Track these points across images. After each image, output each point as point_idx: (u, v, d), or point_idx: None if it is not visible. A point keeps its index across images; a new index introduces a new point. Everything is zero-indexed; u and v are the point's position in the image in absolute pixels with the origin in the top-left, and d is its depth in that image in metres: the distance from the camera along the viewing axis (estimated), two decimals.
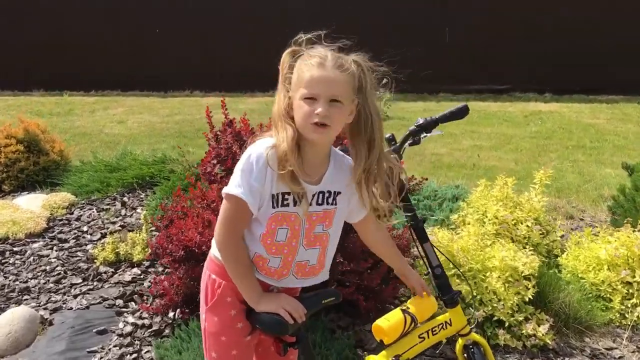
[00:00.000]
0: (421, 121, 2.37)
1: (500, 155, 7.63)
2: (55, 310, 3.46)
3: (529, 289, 3.37)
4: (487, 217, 4.17)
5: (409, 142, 2.35)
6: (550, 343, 3.26)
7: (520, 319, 3.30)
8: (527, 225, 4.09)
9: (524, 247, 4.00)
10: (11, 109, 10.97)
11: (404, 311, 2.19)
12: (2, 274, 3.91)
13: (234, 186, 1.76)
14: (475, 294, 3.37)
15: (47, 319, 3.36)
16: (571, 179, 6.47)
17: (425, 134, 2.36)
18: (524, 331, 3.26)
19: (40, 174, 5.55)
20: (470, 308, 3.04)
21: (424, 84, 11.59)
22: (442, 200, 5.05)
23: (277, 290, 1.93)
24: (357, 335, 3.22)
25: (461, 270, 3.30)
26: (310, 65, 1.75)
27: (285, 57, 1.83)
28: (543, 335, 3.25)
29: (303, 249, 1.88)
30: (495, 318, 3.31)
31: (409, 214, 2.31)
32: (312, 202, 1.83)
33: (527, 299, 3.35)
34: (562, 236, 4.37)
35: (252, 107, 10.38)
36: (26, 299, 3.58)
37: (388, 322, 2.14)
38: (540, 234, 4.13)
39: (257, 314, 1.83)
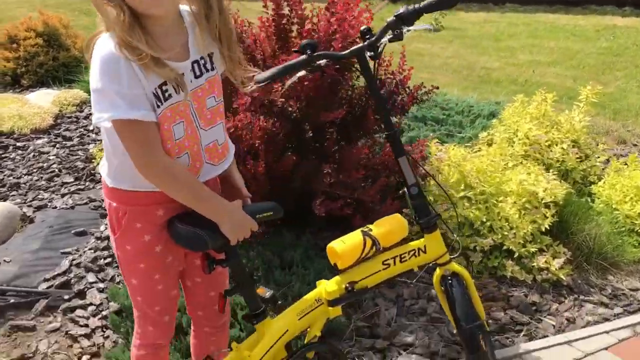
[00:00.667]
0: (401, 11, 1.94)
1: (558, 71, 6.93)
2: (39, 208, 3.33)
3: (546, 217, 2.97)
4: (517, 136, 3.71)
5: (388, 36, 1.94)
6: (564, 279, 2.88)
7: (533, 250, 2.92)
8: (563, 148, 3.62)
9: (556, 172, 3.57)
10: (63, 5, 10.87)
11: (364, 233, 1.86)
12: None
13: (104, 110, 1.41)
14: (485, 220, 3.00)
15: (29, 216, 3.25)
16: (633, 101, 5.79)
17: (407, 28, 1.92)
18: (535, 264, 2.90)
19: (60, 70, 5.39)
20: (452, 236, 2.64)
21: None
22: (475, 116, 4.58)
23: None
24: None
25: (448, 193, 2.90)
26: None
27: None
28: (556, 269, 2.87)
29: (204, 132, 1.61)
30: (505, 247, 2.95)
31: (387, 125, 1.93)
32: (190, 79, 1.54)
33: (543, 229, 2.96)
34: (606, 161, 3.88)
35: None
36: (13, 195, 3.47)
37: (343, 245, 1.83)
38: (578, 158, 3.65)
39: (174, 226, 1.58)
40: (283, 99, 2.53)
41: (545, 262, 2.90)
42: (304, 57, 1.81)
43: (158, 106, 1.47)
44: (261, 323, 1.73)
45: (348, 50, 1.86)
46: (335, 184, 2.66)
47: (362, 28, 1.90)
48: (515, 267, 2.92)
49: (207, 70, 1.59)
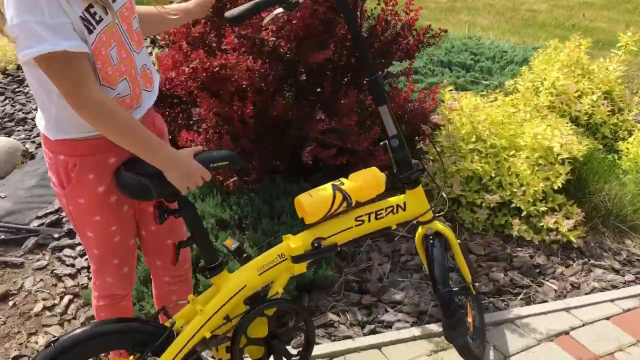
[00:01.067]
0: None
1: (611, 15, 6.44)
2: (41, 144, 3.31)
3: (560, 174, 2.75)
4: (543, 85, 3.44)
5: None
6: (574, 241, 2.69)
7: (543, 209, 2.73)
8: (592, 99, 3.34)
9: (582, 126, 3.32)
10: None
11: (335, 187, 1.73)
12: (11, 102, 3.81)
13: (30, 45, 1.26)
14: (494, 175, 2.81)
15: (30, 152, 3.23)
16: None
17: None
18: (543, 224, 2.71)
19: None
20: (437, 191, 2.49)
21: None
22: (507, 62, 4.29)
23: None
24: None
25: (457, 145, 2.71)
26: None
27: None
28: (566, 231, 2.68)
29: (136, 55, 1.51)
30: (514, 205, 2.76)
31: (367, 69, 1.75)
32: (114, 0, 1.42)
33: (556, 187, 2.75)
34: None
35: None
36: (19, 130, 3.46)
37: (309, 198, 1.70)
38: (609, 112, 3.37)
39: (119, 173, 1.49)
40: (274, 38, 2.37)
41: (555, 222, 2.70)
42: None
43: (91, 31, 1.33)
44: (217, 276, 1.65)
45: None
46: (328, 131, 2.51)
47: None
48: (523, 226, 2.74)
49: None
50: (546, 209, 2.74)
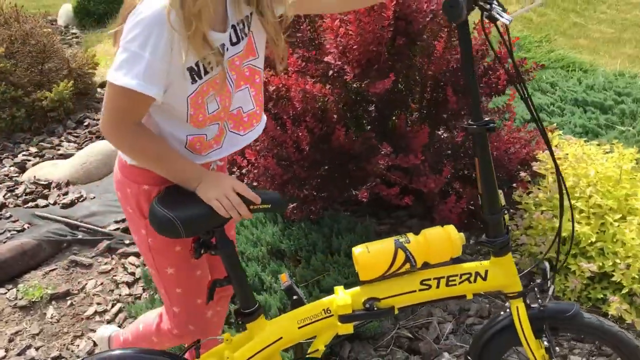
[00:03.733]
0: None
1: None
2: None
3: None
4: None
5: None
6: None
7: None
8: None
9: None
10: None
11: (397, 243, 1.48)
12: None
13: (123, 73, 1.25)
14: (594, 239, 2.39)
15: None
16: None
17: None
18: None
19: None
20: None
21: None
22: None
23: (215, 168, 1.55)
24: None
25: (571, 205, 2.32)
26: None
27: None
28: None
29: (234, 96, 1.46)
30: (614, 279, 2.33)
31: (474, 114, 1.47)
32: (227, 48, 1.37)
33: None
34: None
35: None
36: None
37: (366, 253, 1.50)
38: None
39: (152, 206, 1.40)
40: (339, 63, 2.22)
41: None
42: None
43: (195, 81, 1.32)
44: (253, 323, 1.51)
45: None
46: (393, 168, 2.29)
47: None
48: (623, 306, 2.30)
49: (245, 35, 1.40)
50: None
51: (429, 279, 1.52)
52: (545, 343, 1.59)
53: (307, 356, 1.56)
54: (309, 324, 1.51)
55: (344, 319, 1.49)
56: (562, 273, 2.46)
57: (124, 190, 1.51)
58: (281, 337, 1.51)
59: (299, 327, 1.51)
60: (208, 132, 1.43)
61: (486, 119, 1.40)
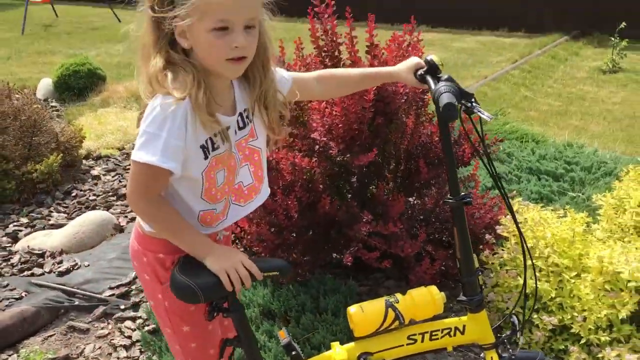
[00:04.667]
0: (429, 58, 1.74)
1: None
2: (133, 219, 3.64)
3: (626, 303, 2.55)
4: (629, 203, 3.24)
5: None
6: None
7: (605, 338, 2.53)
8: None
9: None
10: None
11: (388, 304, 1.73)
12: (119, 178, 4.25)
13: (145, 152, 1.45)
14: (554, 295, 2.67)
15: (121, 226, 3.56)
16: None
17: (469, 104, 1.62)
18: (603, 355, 2.51)
19: None
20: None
21: None
22: (603, 174, 4.09)
23: (225, 235, 1.75)
24: None
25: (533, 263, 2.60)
26: None
27: None
28: None
29: (238, 172, 1.66)
30: (574, 330, 2.60)
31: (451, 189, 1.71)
32: (235, 131, 1.60)
33: (622, 316, 2.55)
34: None
35: None
36: (117, 205, 3.83)
37: (360, 313, 1.72)
38: None
39: (173, 274, 1.57)
40: (325, 139, 2.50)
41: (617, 355, 2.49)
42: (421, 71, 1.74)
43: (206, 157, 1.52)
44: None
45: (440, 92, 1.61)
46: (374, 235, 2.55)
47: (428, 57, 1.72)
48: (582, 355, 2.56)
49: (250, 121, 1.64)
50: (609, 339, 2.54)
51: (415, 334, 1.75)
52: None
53: None
54: None
55: None
56: (527, 326, 2.71)
57: (140, 259, 1.67)
58: None
59: None
60: (217, 207, 1.62)
61: (462, 194, 1.68)
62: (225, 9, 1.40)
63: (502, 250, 2.89)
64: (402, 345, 1.74)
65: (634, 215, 3.17)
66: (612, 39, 8.42)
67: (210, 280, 1.52)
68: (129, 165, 4.42)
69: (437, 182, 2.93)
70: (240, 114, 1.60)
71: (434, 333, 1.77)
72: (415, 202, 2.97)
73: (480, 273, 1.79)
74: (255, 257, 1.72)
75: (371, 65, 2.57)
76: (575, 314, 2.61)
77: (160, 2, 1.45)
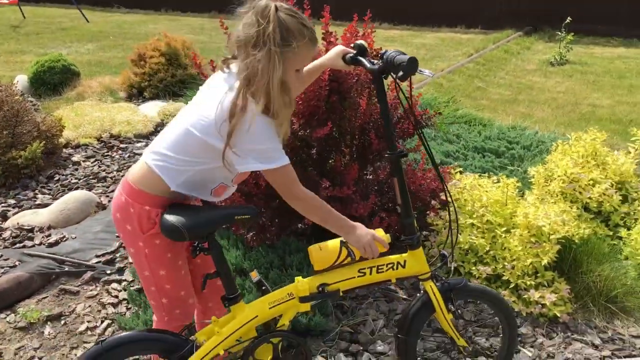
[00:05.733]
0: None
1: None
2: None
3: (548, 252, 2.98)
4: (557, 173, 3.69)
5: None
6: (559, 315, 2.89)
7: (531, 282, 2.96)
8: (603, 188, 3.55)
9: (595, 213, 3.52)
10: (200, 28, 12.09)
11: (342, 243, 2.06)
12: (98, 164, 4.56)
13: (277, 157, 1.81)
14: (488, 248, 3.10)
15: (103, 204, 3.88)
16: None
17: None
18: (528, 297, 2.93)
19: (177, 85, 6.17)
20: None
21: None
22: (539, 151, 4.55)
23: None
24: None
25: (459, 221, 3.02)
26: (308, 42, 1.79)
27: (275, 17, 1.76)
28: (550, 304, 2.89)
29: None
30: (505, 278, 3.02)
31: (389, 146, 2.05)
32: None
33: (544, 264, 2.98)
34: None
35: None
36: (98, 186, 4.15)
37: (319, 250, 2.06)
38: (620, 201, 3.56)
39: (162, 218, 1.87)
40: None
41: (540, 296, 2.92)
42: (351, 54, 2.09)
43: None
44: (235, 305, 1.97)
45: (373, 67, 1.96)
46: (332, 199, 2.93)
47: (381, 51, 1.97)
48: (512, 298, 2.98)
49: None
50: (534, 283, 2.97)
51: (364, 268, 2.09)
52: (452, 308, 2.22)
53: (274, 330, 2.05)
54: (277, 305, 2.00)
55: (303, 299, 2.01)
56: (466, 277, 3.13)
57: (127, 210, 1.92)
58: (257, 316, 1.98)
59: (270, 308, 1.99)
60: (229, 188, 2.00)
61: (399, 149, 2.05)
62: (306, 59, 1.87)
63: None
64: (354, 277, 2.07)
65: (560, 182, 3.62)
66: (559, 33, 8.97)
67: (195, 221, 1.84)
68: (107, 152, 4.75)
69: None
70: None
71: (379, 267, 2.10)
72: (369, 176, 3.36)
73: (415, 216, 2.17)
74: (229, 204, 2.04)
75: (326, 50, 2.94)
76: (506, 263, 3.03)
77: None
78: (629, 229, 3.54)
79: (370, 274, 2.10)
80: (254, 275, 2.07)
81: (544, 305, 2.92)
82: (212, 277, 1.97)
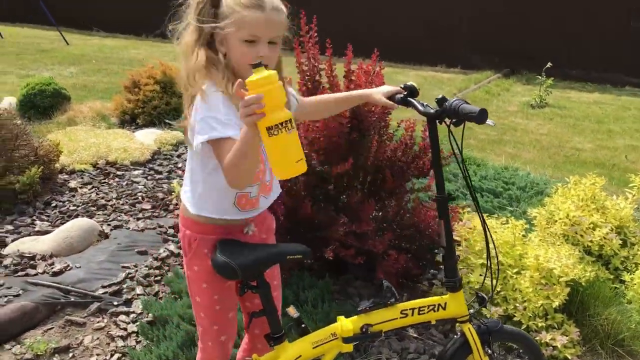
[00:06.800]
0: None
1: None
2: (116, 227, 3.91)
3: (559, 294, 3.04)
4: (558, 216, 3.78)
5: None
6: (570, 358, 2.93)
7: (542, 324, 3.01)
8: (603, 232, 3.64)
9: (596, 256, 3.60)
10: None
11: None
12: (96, 191, 4.50)
13: (213, 131, 1.72)
14: (499, 289, 3.14)
15: (106, 232, 3.82)
16: None
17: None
18: (540, 339, 2.98)
19: (170, 113, 6.15)
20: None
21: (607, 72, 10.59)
22: (536, 193, 4.66)
23: (253, 230, 2.01)
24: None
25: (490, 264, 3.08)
26: (246, 5, 1.78)
27: None
28: (561, 347, 2.93)
29: (267, 169, 1.94)
30: (516, 319, 3.06)
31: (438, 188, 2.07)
32: None
33: (555, 306, 3.03)
34: None
35: None
36: (99, 214, 4.09)
37: None
38: (620, 245, 3.66)
39: (214, 255, 1.88)
40: (307, 151, 2.90)
41: (552, 338, 2.97)
42: (401, 95, 2.09)
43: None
44: (279, 345, 1.96)
45: (432, 111, 1.97)
46: (349, 234, 2.95)
47: (439, 96, 1.99)
48: None
49: None
50: (545, 325, 3.02)
51: (407, 309, 2.10)
52: (489, 351, 2.25)
53: None
54: (320, 345, 1.99)
55: (347, 340, 2.01)
56: (478, 317, 3.16)
57: (180, 235, 2.03)
58: (300, 356, 1.96)
59: (313, 347, 1.98)
60: (252, 190, 1.90)
61: (448, 192, 2.08)
62: (256, 27, 1.78)
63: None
64: (396, 318, 2.09)
65: (562, 225, 3.71)
66: (539, 77, 9.26)
67: (247, 260, 1.82)
68: (104, 179, 4.70)
69: (400, 193, 3.37)
70: None
71: (421, 309, 2.12)
72: (379, 213, 3.39)
73: (458, 258, 2.19)
74: (280, 244, 2.04)
75: (347, 88, 3.00)
76: (517, 304, 3.08)
77: (206, 14, 1.82)
78: (629, 272, 3.64)
79: (412, 315, 2.12)
80: (292, 312, 2.06)
81: (555, 347, 2.96)
82: (258, 316, 1.98)
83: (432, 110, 1.98)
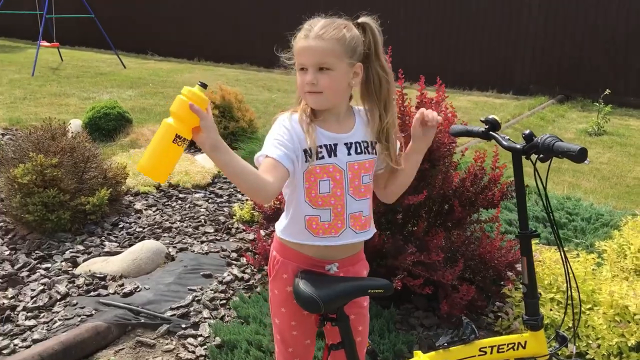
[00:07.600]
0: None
1: None
2: (181, 249, 3.99)
3: (634, 333, 2.95)
4: (630, 249, 3.68)
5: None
6: None
7: None
8: None
9: None
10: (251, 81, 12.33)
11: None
12: (160, 213, 4.60)
13: (268, 149, 1.81)
14: (570, 325, 3.06)
15: (172, 255, 3.90)
16: None
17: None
18: None
19: (228, 138, 6.25)
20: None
21: None
22: (601, 225, 4.55)
23: (335, 271, 1.97)
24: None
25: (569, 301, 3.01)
26: (298, 37, 1.89)
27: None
28: None
29: (352, 199, 1.92)
30: (589, 357, 2.98)
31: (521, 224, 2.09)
32: (350, 152, 1.91)
33: (630, 344, 2.94)
34: None
35: None
36: (164, 236, 4.17)
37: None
38: None
39: (297, 287, 1.86)
40: None
41: None
42: (482, 129, 2.10)
43: (307, 161, 1.85)
44: None
45: (519, 146, 2.00)
46: (417, 264, 2.94)
47: (526, 132, 2.01)
48: None
49: (369, 153, 1.94)
50: None
51: (485, 347, 2.08)
52: None
53: None
54: None
55: None
56: (557, 356, 3.08)
57: (271, 252, 2.06)
58: None
59: None
60: (321, 214, 1.89)
61: (531, 229, 2.06)
62: (299, 55, 1.87)
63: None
64: (475, 356, 2.06)
65: (634, 259, 3.61)
66: (597, 104, 9.08)
67: (329, 293, 1.80)
68: (167, 201, 4.80)
69: (466, 223, 3.34)
70: (359, 143, 1.92)
71: (500, 347, 2.09)
72: (445, 243, 3.37)
73: (539, 296, 2.15)
74: (364, 278, 2.00)
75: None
76: (590, 341, 2.99)
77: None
78: None
79: (491, 353, 2.09)
80: (367, 344, 2.07)
81: None
82: (336, 349, 1.97)
83: (519, 146, 1.97)
